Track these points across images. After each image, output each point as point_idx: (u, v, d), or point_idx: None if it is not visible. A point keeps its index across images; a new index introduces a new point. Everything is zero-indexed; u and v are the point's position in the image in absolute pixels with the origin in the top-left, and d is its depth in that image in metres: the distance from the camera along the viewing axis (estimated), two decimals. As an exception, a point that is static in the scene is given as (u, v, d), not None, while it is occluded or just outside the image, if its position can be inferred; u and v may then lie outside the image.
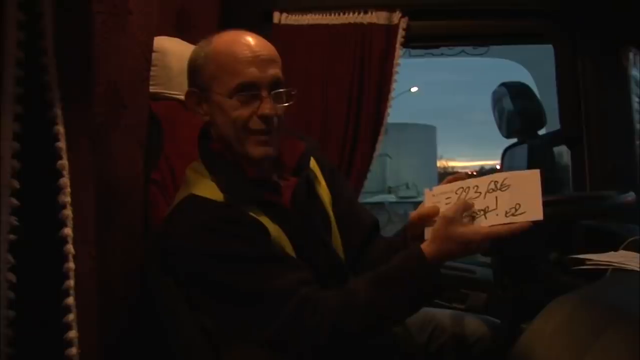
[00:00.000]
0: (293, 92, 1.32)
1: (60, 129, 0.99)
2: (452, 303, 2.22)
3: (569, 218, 1.51)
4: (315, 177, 1.46)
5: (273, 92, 1.27)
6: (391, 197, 13.53)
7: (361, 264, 1.47)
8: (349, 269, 1.43)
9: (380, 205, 12.12)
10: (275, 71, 1.28)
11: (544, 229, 1.61)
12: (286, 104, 1.31)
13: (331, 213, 1.45)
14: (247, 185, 1.29)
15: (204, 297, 1.25)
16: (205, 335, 1.30)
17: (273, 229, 1.26)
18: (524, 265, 1.62)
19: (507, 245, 1.64)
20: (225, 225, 1.20)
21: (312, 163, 1.44)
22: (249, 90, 1.25)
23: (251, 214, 1.24)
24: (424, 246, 1.16)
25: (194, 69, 1.31)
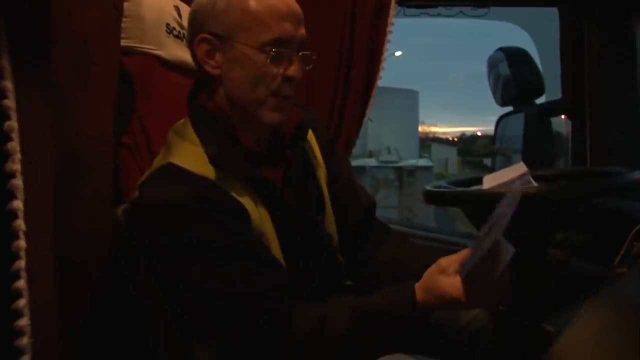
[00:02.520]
0: (314, 57, 1.21)
1: (8, 84, 0.84)
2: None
3: (575, 195, 1.39)
4: (312, 150, 1.34)
5: (301, 54, 1.16)
6: (372, 161, 13.46)
7: (359, 247, 1.39)
8: (341, 251, 1.35)
9: (361, 169, 12.06)
10: (303, 31, 1.17)
11: (545, 207, 1.52)
12: (307, 68, 1.20)
13: (326, 191, 1.35)
14: (240, 158, 1.16)
15: (168, 282, 1.12)
16: (176, 322, 1.17)
17: (257, 211, 1.14)
18: (524, 245, 1.52)
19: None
20: (201, 207, 1.07)
21: (310, 135, 1.33)
22: (281, 47, 1.12)
23: (234, 194, 1.11)
24: (417, 289, 1.08)
25: (210, 12, 1.14)
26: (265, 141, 1.23)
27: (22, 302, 0.88)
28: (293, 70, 1.14)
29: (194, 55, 1.18)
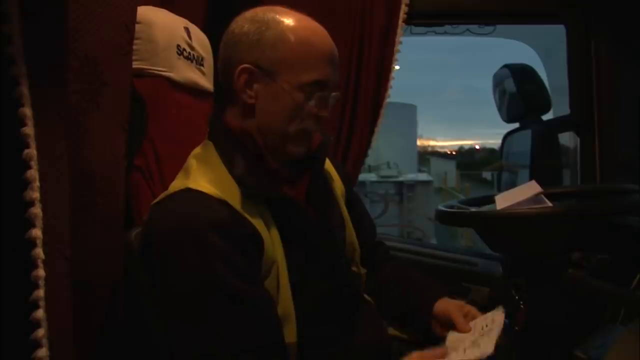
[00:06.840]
0: (339, 96, 1.25)
1: (27, 111, 0.83)
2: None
3: (593, 215, 1.38)
4: (328, 170, 1.38)
5: (333, 95, 1.19)
6: (372, 176, 13.42)
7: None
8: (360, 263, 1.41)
9: (361, 184, 12.02)
10: (337, 72, 1.20)
11: (561, 227, 1.50)
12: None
13: (343, 206, 1.39)
14: (266, 178, 1.16)
15: (164, 304, 1.08)
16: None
17: (269, 237, 1.11)
18: (539, 265, 1.50)
19: (520, 243, 1.53)
20: (215, 239, 1.02)
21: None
22: (319, 88, 1.15)
23: (252, 219, 1.09)
24: None
25: (256, 44, 1.14)
26: (286, 163, 1.23)
27: (41, 332, 0.86)
28: (325, 111, 1.18)
29: (229, 81, 1.18)
